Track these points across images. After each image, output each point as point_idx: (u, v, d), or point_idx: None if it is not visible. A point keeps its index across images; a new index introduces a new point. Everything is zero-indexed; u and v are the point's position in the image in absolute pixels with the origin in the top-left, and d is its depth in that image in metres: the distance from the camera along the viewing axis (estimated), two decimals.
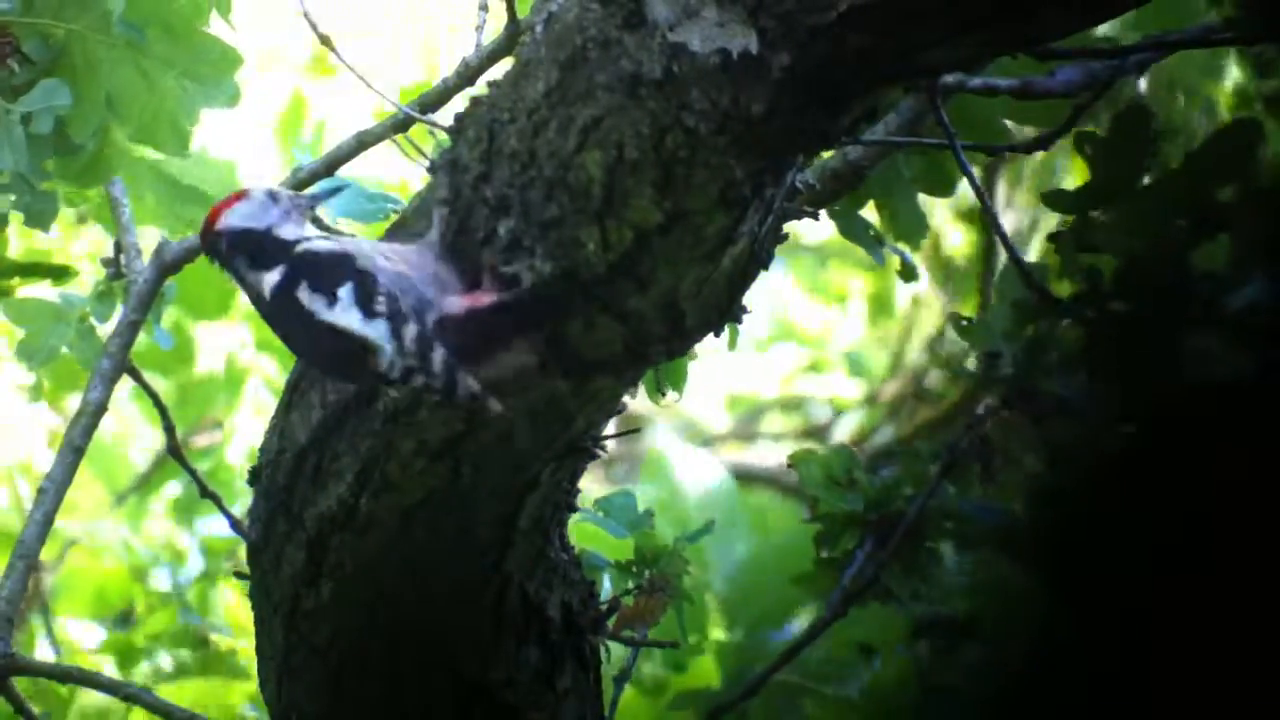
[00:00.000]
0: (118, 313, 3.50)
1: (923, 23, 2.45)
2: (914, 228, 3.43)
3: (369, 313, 2.59)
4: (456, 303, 2.61)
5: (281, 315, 2.66)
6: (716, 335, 2.77)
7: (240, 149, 4.99)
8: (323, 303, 2.62)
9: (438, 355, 2.58)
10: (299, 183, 3.45)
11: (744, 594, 5.07)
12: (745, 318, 2.76)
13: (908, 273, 3.52)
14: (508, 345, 2.61)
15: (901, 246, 3.46)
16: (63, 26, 3.04)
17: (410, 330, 2.58)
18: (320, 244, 2.66)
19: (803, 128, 2.55)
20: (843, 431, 6.77)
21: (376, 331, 2.59)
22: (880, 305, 6.84)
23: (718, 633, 4.96)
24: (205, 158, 3.41)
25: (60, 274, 3.68)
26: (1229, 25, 2.80)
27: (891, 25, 2.45)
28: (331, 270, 2.63)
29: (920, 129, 3.23)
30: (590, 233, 2.60)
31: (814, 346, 6.97)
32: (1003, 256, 3.15)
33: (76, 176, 3.17)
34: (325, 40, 3.18)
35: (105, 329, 3.52)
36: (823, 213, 3.14)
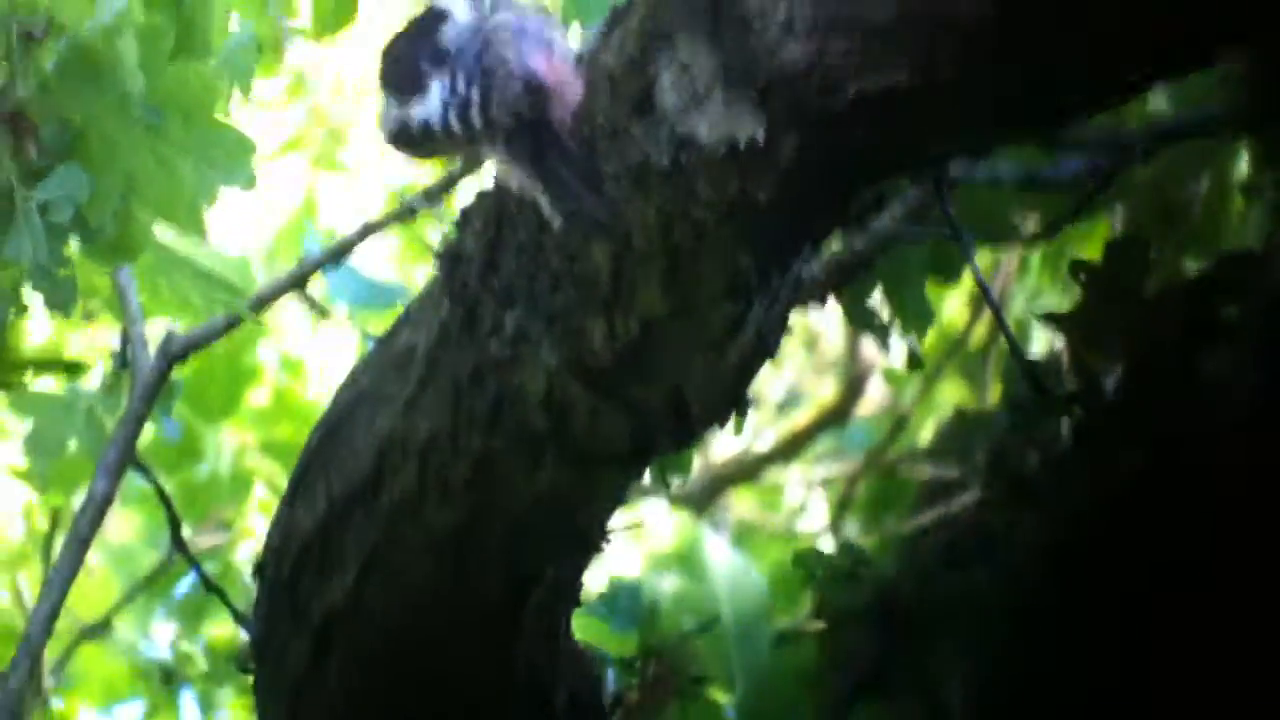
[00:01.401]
0: (124, 406, 3.51)
1: (930, 113, 2.45)
2: (921, 316, 3.43)
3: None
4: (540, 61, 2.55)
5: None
6: (723, 426, 2.76)
7: (251, 242, 5.04)
8: None
9: (503, 37, 2.53)
10: (305, 273, 3.47)
11: (760, 694, 5.03)
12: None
13: (914, 361, 3.53)
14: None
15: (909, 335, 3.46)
16: (80, 111, 3.05)
17: (500, 19, 2.55)
18: None
19: (809, 217, 2.55)
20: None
21: (463, 8, 2.58)
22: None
23: None
24: (220, 254, 3.41)
25: (73, 369, 3.68)
26: (1233, 113, 2.81)
27: (898, 115, 2.45)
28: None
29: (927, 215, 3.24)
30: (597, 323, 2.60)
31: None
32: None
33: (101, 256, 3.17)
34: (336, 135, 3.19)
35: (112, 422, 3.52)
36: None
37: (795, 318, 2.74)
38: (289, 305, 4.45)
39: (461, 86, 2.53)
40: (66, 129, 3.05)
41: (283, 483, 5.07)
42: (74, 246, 3.11)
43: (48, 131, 3.05)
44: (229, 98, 3.11)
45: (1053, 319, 2.81)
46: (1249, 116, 2.83)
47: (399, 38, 2.64)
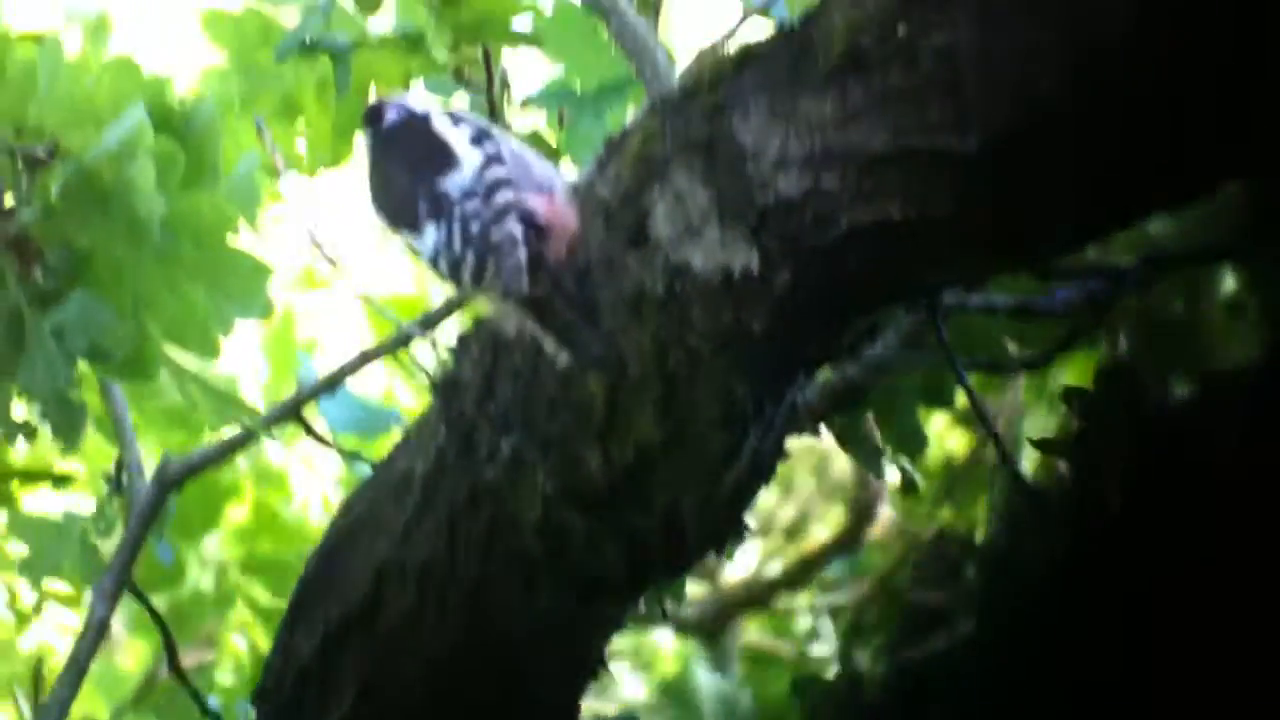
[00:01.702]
0: (118, 530, 3.51)
1: (923, 244, 2.48)
2: (914, 441, 3.44)
3: (476, 143, 2.58)
4: (541, 204, 2.56)
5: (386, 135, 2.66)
6: (719, 553, 2.77)
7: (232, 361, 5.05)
8: (442, 116, 2.63)
9: (506, 195, 2.54)
10: (301, 400, 3.48)
11: None
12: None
13: (908, 486, 3.53)
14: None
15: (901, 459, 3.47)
16: (86, 235, 3.06)
17: (498, 171, 2.55)
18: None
19: (803, 346, 2.58)
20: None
21: (469, 155, 2.57)
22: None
23: None
24: (206, 375, 3.42)
25: (61, 481, 3.69)
26: (1225, 243, 2.84)
27: (892, 246, 2.48)
28: (462, 116, 2.64)
29: (921, 341, 3.25)
30: (592, 450, 2.61)
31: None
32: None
33: (116, 373, 3.16)
34: (334, 264, 3.22)
35: (106, 545, 3.53)
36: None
37: (803, 442, 2.75)
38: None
39: (458, 245, 2.55)
40: (71, 253, 3.06)
41: (265, 600, 5.07)
42: (83, 365, 3.11)
43: (53, 255, 3.06)
44: (237, 225, 3.12)
45: (1046, 445, 2.82)
46: (1244, 245, 2.86)
47: (395, 158, 2.65)
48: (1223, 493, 2.49)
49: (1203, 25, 2.37)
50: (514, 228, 2.51)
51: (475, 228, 2.53)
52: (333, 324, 5.20)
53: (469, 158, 2.57)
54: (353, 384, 3.58)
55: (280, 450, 4.80)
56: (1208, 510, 2.49)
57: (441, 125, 2.62)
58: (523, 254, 2.50)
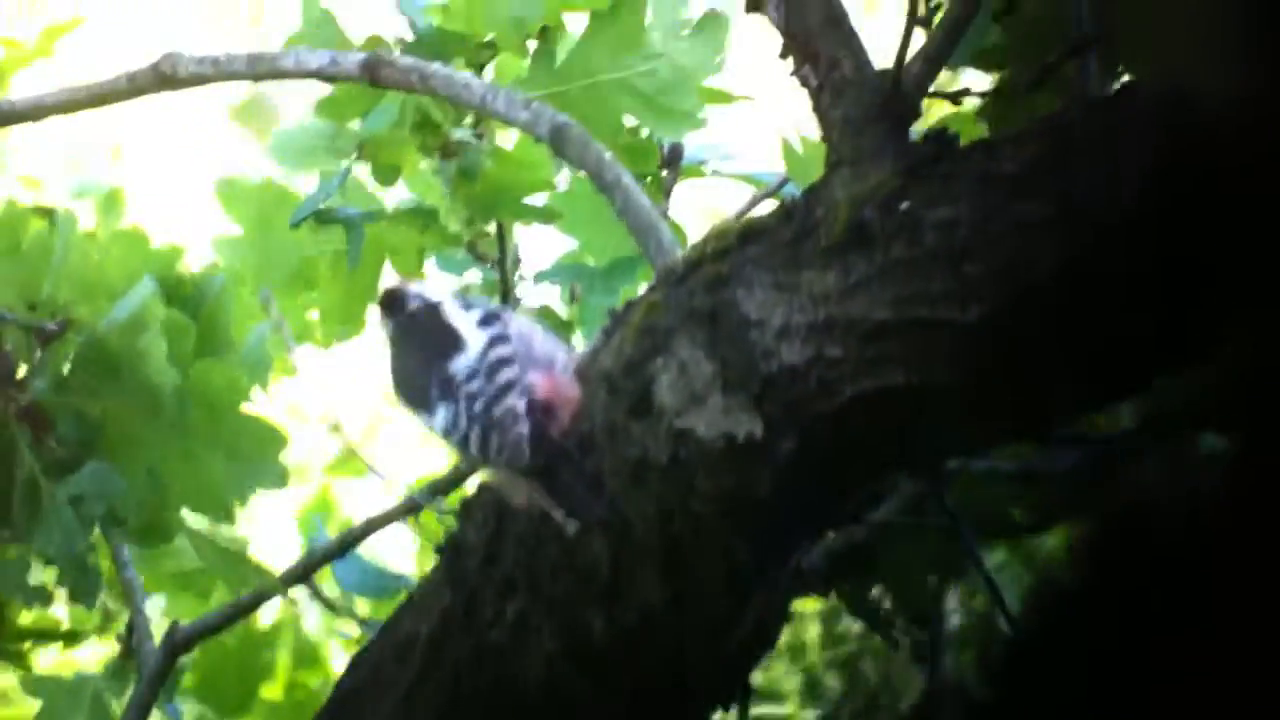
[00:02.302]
0: (129, 690, 3.51)
1: (926, 412, 2.50)
2: (924, 610, 3.44)
3: (485, 325, 2.66)
4: (541, 381, 2.63)
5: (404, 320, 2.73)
6: (725, 713, 2.77)
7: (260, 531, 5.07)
8: (454, 301, 2.71)
9: (509, 373, 2.61)
10: (313, 564, 3.50)
11: None
12: None
13: (919, 655, 3.53)
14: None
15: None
16: (98, 405, 3.08)
17: (502, 350, 2.63)
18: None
19: (807, 511, 2.59)
20: None
21: (475, 339, 2.64)
22: None
23: None
24: (219, 538, 3.43)
25: (70, 639, 3.70)
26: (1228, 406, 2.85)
27: (894, 414, 2.50)
28: (474, 301, 2.72)
29: (924, 508, 3.27)
30: (596, 613, 2.62)
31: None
32: None
33: (135, 539, 3.17)
34: (336, 428, 3.25)
35: (118, 705, 3.53)
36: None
37: None
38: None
39: (464, 422, 2.62)
40: (83, 422, 3.08)
41: None
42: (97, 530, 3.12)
43: (64, 425, 3.08)
44: (250, 394, 3.14)
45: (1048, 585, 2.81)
46: (1243, 411, 2.87)
47: (410, 345, 2.73)
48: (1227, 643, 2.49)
49: (1204, 203, 2.40)
50: (515, 402, 2.59)
51: (479, 406, 2.61)
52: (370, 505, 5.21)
53: (474, 340, 2.66)
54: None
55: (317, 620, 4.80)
56: (1208, 661, 2.48)
57: (452, 311, 2.70)
58: (524, 427, 2.57)
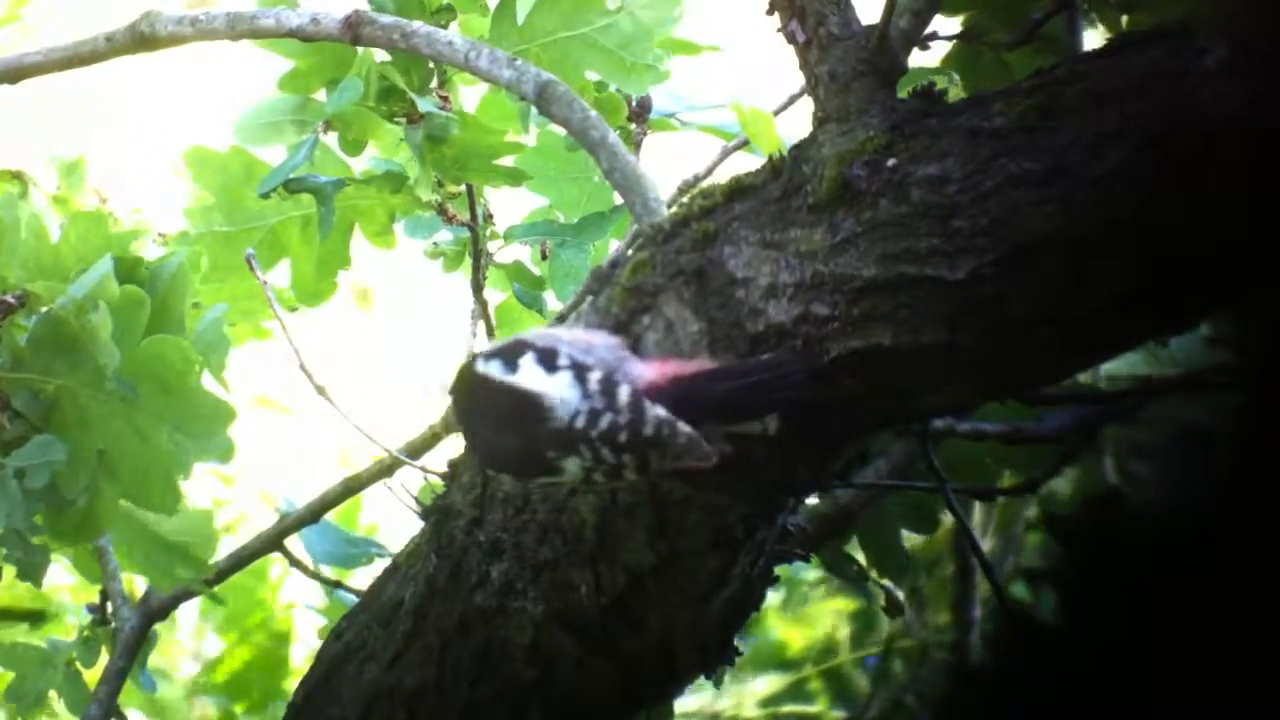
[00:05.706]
0: (103, 659, 3.50)
1: (913, 370, 2.49)
2: (899, 565, 3.45)
3: (551, 368, 2.51)
4: (642, 371, 2.53)
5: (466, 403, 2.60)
6: (708, 677, 2.77)
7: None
8: (500, 367, 2.54)
9: (623, 391, 2.48)
10: (285, 530, 3.49)
11: None
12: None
13: (893, 609, 3.54)
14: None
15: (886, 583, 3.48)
16: (52, 382, 3.06)
17: (595, 374, 2.50)
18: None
19: (795, 472, 2.59)
20: None
21: (558, 385, 2.50)
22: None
23: None
24: (184, 508, 3.40)
25: (36, 618, 3.67)
26: (1220, 369, 2.85)
27: (882, 372, 2.49)
28: (511, 349, 2.56)
29: (910, 470, 3.27)
30: (583, 575, 2.62)
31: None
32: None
33: (67, 534, 3.16)
34: (321, 390, 3.23)
35: (90, 674, 3.51)
36: None
37: None
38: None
39: (611, 458, 2.48)
40: (39, 399, 3.07)
41: None
42: (41, 521, 3.10)
43: (20, 401, 3.06)
44: (200, 374, 3.11)
45: (1032, 575, 2.82)
46: (1238, 374, 2.87)
47: (487, 426, 2.58)
48: (1212, 617, 2.50)
49: (1200, 160, 2.40)
50: (656, 412, 2.47)
51: (624, 437, 2.47)
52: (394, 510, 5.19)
53: (548, 388, 2.51)
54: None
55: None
56: (1196, 637, 2.49)
57: (499, 373, 2.54)
58: (682, 426, 2.47)
